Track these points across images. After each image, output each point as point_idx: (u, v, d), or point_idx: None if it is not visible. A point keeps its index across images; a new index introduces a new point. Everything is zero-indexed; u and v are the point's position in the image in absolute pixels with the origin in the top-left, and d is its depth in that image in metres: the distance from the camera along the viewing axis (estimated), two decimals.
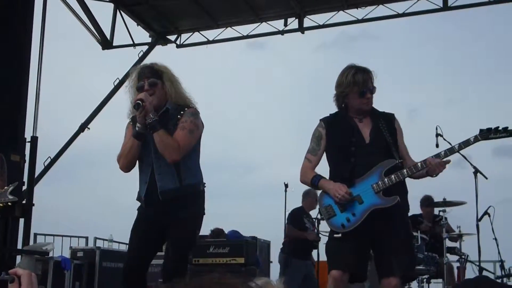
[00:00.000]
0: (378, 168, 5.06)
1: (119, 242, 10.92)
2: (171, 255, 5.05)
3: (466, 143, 4.99)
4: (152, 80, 5.01)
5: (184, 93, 5.19)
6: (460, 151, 5.15)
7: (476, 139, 4.95)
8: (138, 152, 5.05)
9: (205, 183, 5.35)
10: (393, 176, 4.99)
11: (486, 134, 4.96)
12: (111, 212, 20.96)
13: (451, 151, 5.04)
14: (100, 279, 8.77)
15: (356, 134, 5.21)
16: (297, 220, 10.13)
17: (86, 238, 10.81)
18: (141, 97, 4.84)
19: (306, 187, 9.22)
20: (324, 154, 5.36)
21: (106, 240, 10.63)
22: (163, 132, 4.86)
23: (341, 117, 5.32)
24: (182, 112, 5.05)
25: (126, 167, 5.13)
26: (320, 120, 5.39)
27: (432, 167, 4.93)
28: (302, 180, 5.39)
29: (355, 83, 5.11)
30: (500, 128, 4.91)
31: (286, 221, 10.17)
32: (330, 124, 5.32)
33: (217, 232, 9.92)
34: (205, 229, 6.49)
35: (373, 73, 5.24)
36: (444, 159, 4.99)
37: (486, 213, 9.22)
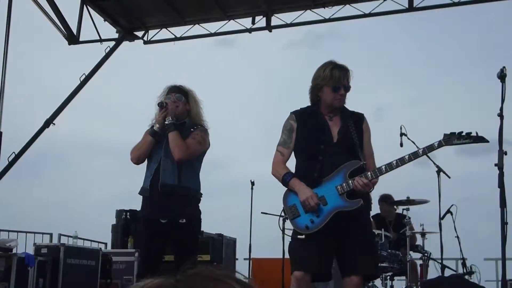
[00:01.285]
0: (343, 168, 5.10)
1: (83, 239, 10.93)
2: (177, 257, 5.52)
3: (430, 148, 5.08)
4: (179, 95, 5.82)
5: (202, 114, 5.96)
6: (426, 154, 5.23)
7: (440, 144, 5.02)
8: (150, 148, 5.74)
9: (201, 193, 5.93)
10: (357, 178, 5.00)
11: (450, 139, 5.01)
12: (76, 209, 20.90)
13: (415, 155, 5.09)
14: (64, 276, 8.63)
15: (325, 132, 5.23)
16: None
17: (51, 234, 10.81)
18: (167, 100, 5.71)
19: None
20: None
21: (71, 236, 10.65)
22: (177, 133, 5.61)
23: (312, 113, 5.34)
24: (195, 127, 5.80)
25: (137, 159, 5.80)
26: (291, 113, 5.41)
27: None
28: (273, 173, 5.38)
29: (331, 78, 5.13)
30: (463, 134, 4.96)
31: None
32: (301, 118, 5.34)
33: None
34: None
35: (351, 73, 5.26)
36: (375, 180, 5.06)
37: (448, 211, 9.36)
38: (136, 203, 10.80)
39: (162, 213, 5.58)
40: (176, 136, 5.59)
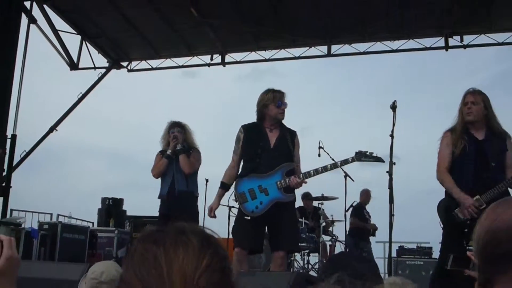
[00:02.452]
0: (281, 168, 5.22)
1: (76, 218, 10.79)
2: None
3: (345, 162, 5.27)
4: (180, 129, 6.74)
5: (194, 140, 6.88)
6: (341, 167, 5.57)
7: (353, 159, 5.20)
8: (165, 168, 6.59)
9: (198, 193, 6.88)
10: (292, 177, 5.15)
11: (359, 156, 5.16)
12: (71, 196, 20.80)
13: (334, 165, 5.28)
14: (60, 246, 8.66)
15: (264, 139, 5.34)
16: (359, 213, 10.30)
17: (51, 214, 10.65)
18: (176, 133, 6.63)
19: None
20: None
21: (66, 216, 10.38)
22: (185, 155, 6.56)
23: (255, 126, 5.45)
24: (192, 150, 6.70)
25: (158, 175, 6.65)
26: (241, 126, 5.51)
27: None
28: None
29: (274, 98, 5.34)
30: (368, 153, 5.13)
31: (350, 214, 10.04)
32: (247, 130, 5.45)
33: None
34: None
35: (286, 95, 5.45)
36: (305, 181, 5.23)
37: (351, 206, 9.75)
38: (116, 194, 11.00)
39: (170, 210, 6.45)
40: (185, 157, 6.53)
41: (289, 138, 5.41)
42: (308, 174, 5.23)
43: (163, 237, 1.09)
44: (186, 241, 1.07)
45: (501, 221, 1.35)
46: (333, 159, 6.35)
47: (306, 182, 5.29)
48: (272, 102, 5.37)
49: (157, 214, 6.86)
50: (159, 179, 6.71)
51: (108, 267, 3.04)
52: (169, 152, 6.56)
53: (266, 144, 5.35)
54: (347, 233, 9.75)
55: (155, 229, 1.16)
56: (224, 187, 5.50)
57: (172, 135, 6.60)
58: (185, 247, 1.06)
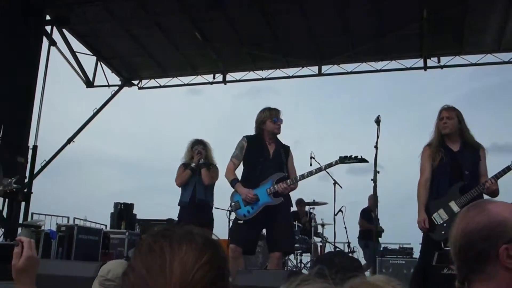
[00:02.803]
0: (272, 177, 5.32)
1: (90, 221, 10.76)
2: None
3: (329, 165, 5.31)
4: (202, 146, 6.77)
5: (213, 156, 6.87)
6: (326, 170, 5.43)
7: (336, 162, 5.26)
8: (188, 179, 6.63)
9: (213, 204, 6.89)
10: (280, 183, 5.27)
11: (343, 159, 5.22)
12: (86, 200, 20.77)
13: (319, 169, 5.33)
14: (76, 246, 8.52)
15: (264, 151, 5.47)
16: (367, 216, 10.19)
17: (68, 217, 10.58)
18: (201, 150, 6.68)
19: None
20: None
21: (82, 219, 10.39)
22: (206, 169, 6.62)
23: (257, 138, 5.54)
24: (211, 166, 6.70)
25: (180, 184, 6.69)
26: (244, 136, 5.60)
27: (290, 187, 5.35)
28: (225, 176, 5.61)
29: (270, 115, 5.49)
30: (352, 156, 5.18)
31: (359, 216, 10.34)
32: (250, 140, 5.54)
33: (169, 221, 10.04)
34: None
35: (281, 112, 5.58)
36: (292, 185, 5.33)
37: (340, 210, 9.57)
38: (127, 199, 10.96)
39: (191, 217, 6.31)
40: (207, 171, 6.59)
41: (282, 151, 5.52)
42: (295, 179, 5.34)
43: (171, 233, 1.10)
44: (191, 239, 1.08)
45: (473, 223, 1.35)
46: (321, 165, 6.39)
47: (293, 187, 5.37)
48: (269, 118, 5.50)
49: (163, 217, 6.98)
50: (179, 188, 6.83)
51: (115, 266, 3.02)
52: (193, 165, 6.67)
53: (267, 154, 5.48)
54: (358, 236, 10.05)
55: (165, 227, 1.17)
56: (238, 180, 5.56)
57: (196, 151, 6.69)
58: (189, 243, 1.07)
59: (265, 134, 5.54)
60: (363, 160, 5.21)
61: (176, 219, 7.02)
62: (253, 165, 5.50)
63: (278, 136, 5.66)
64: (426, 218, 4.70)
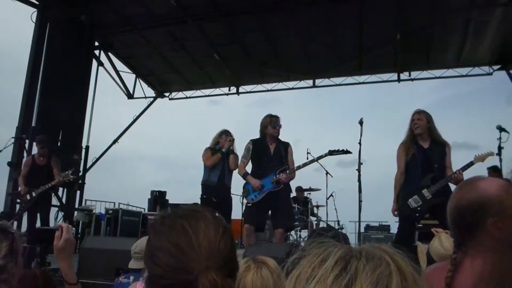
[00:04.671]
0: (275, 169, 5.28)
1: (132, 206, 10.86)
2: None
3: (320, 157, 5.29)
4: (232, 137, 6.03)
5: (236, 147, 6.04)
6: (317, 161, 5.36)
7: (326, 154, 5.23)
8: (217, 161, 5.89)
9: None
10: (281, 174, 5.23)
11: (331, 152, 5.20)
12: (129, 188, 20.97)
13: (312, 161, 5.31)
14: (121, 226, 8.67)
15: (267, 150, 5.42)
16: None
17: (114, 202, 10.73)
18: (232, 137, 6.01)
19: None
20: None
21: (125, 204, 10.55)
22: (234, 156, 5.91)
23: (261, 141, 5.50)
24: (234, 152, 5.97)
25: (211, 165, 5.90)
26: (250, 140, 5.58)
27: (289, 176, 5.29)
28: (238, 172, 5.57)
29: (271, 121, 5.42)
30: (339, 149, 5.16)
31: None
32: (255, 143, 5.51)
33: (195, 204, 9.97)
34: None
35: (280, 118, 5.52)
36: (290, 175, 5.26)
37: (331, 195, 9.55)
38: (161, 187, 10.96)
39: (217, 196, 5.82)
40: (234, 157, 5.92)
41: (282, 148, 5.42)
42: (292, 170, 5.27)
43: (184, 213, 1.05)
44: (203, 216, 1.04)
45: (464, 200, 1.33)
46: (314, 157, 6.38)
47: (291, 176, 5.31)
48: (269, 124, 5.44)
49: (191, 201, 6.73)
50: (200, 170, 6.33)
51: (142, 241, 3.04)
52: (224, 149, 6.01)
53: (268, 153, 5.43)
54: None
55: (172, 210, 1.12)
56: (248, 173, 5.50)
57: (229, 138, 6.04)
58: (203, 219, 1.03)
59: (267, 136, 5.48)
60: (347, 152, 5.15)
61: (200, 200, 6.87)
62: (259, 162, 5.46)
63: (280, 136, 5.57)
64: (397, 208, 4.74)
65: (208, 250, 0.98)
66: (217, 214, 1.08)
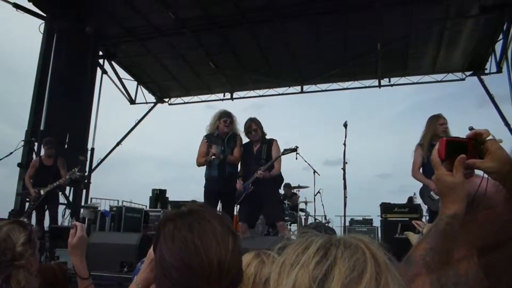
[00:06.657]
0: (253, 170, 5.14)
1: (134, 203, 10.81)
2: (226, 210, 5.11)
3: (278, 156, 5.06)
4: (231, 119, 5.34)
5: (238, 127, 5.41)
6: (275, 160, 5.07)
7: (283, 153, 5.05)
8: (205, 164, 5.28)
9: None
10: (256, 172, 5.07)
11: (284, 151, 5.05)
12: (131, 187, 20.93)
13: (276, 158, 5.09)
14: (124, 222, 8.50)
15: (251, 151, 5.31)
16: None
17: (118, 200, 10.70)
18: (231, 118, 5.34)
19: None
20: None
21: (128, 201, 10.56)
22: (237, 147, 5.30)
23: (248, 143, 5.40)
24: (236, 137, 5.36)
25: (199, 166, 5.35)
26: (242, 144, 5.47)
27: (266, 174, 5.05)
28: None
29: (249, 126, 5.30)
30: (290, 148, 5.05)
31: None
32: (244, 146, 5.41)
33: (193, 201, 9.87)
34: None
35: (256, 121, 5.30)
36: (263, 173, 4.99)
37: (318, 192, 9.56)
38: (161, 186, 10.87)
39: (220, 186, 5.22)
40: (237, 150, 5.35)
41: (264, 146, 5.25)
42: (263, 168, 5.04)
43: (193, 226, 1.01)
44: (212, 229, 1.01)
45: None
46: (306, 162, 6.31)
47: (264, 174, 5.04)
48: (249, 129, 5.34)
49: (190, 198, 6.49)
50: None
51: None
52: (208, 160, 5.32)
53: (252, 153, 5.29)
54: None
55: (169, 212, 1.09)
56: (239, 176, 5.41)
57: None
58: (213, 233, 1.00)
59: (252, 139, 5.36)
60: (294, 150, 5.03)
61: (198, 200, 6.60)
62: (245, 164, 5.36)
63: (273, 135, 5.43)
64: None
65: (217, 270, 0.97)
66: (223, 218, 1.06)
